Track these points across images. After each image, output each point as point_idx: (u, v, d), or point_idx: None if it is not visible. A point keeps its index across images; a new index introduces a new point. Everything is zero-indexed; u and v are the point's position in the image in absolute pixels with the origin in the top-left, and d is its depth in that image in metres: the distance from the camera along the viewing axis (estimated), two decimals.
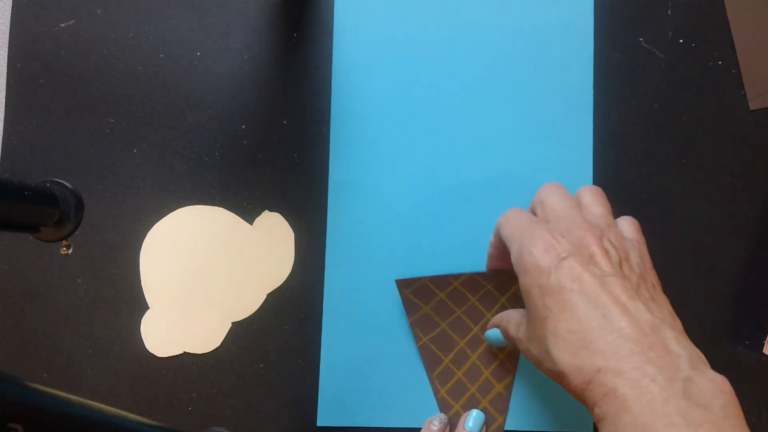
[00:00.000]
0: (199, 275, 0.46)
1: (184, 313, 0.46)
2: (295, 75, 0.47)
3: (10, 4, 0.48)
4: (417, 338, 0.45)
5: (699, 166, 0.46)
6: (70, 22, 0.48)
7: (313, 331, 0.45)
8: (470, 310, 0.44)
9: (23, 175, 0.47)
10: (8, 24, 0.48)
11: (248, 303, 0.46)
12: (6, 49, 0.47)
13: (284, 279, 0.46)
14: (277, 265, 0.46)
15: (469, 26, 0.47)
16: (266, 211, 0.46)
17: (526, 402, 0.45)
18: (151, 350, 0.45)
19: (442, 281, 0.44)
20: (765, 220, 0.46)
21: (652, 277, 0.35)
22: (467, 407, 0.44)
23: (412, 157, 0.47)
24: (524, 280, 0.34)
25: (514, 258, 0.35)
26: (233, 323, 0.46)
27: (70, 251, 0.37)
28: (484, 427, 0.43)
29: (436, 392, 0.45)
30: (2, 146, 0.47)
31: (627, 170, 0.46)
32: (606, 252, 0.34)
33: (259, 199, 0.46)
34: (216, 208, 0.47)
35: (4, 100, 0.47)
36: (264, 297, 0.46)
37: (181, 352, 0.45)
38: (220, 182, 0.47)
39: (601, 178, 0.46)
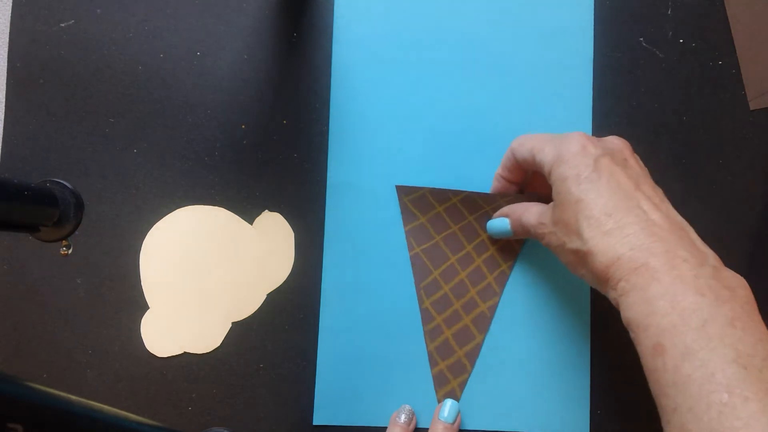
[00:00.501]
0: (199, 275, 0.46)
1: (184, 313, 0.46)
2: (295, 75, 0.47)
3: (10, 4, 0.48)
4: (410, 247, 0.45)
5: (699, 166, 0.46)
6: (70, 22, 0.48)
7: (312, 331, 0.45)
8: (466, 228, 0.45)
9: (23, 175, 0.47)
10: (8, 24, 0.48)
11: (248, 303, 0.46)
12: (6, 49, 0.47)
13: (284, 279, 0.46)
14: (277, 265, 0.46)
15: (468, 26, 0.47)
16: (266, 211, 0.47)
17: (522, 402, 0.45)
18: (151, 350, 0.45)
19: (441, 195, 0.45)
20: (765, 220, 0.46)
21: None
22: (449, 322, 0.45)
23: (411, 157, 0.47)
24: (560, 169, 0.36)
25: (548, 156, 0.37)
26: (233, 323, 0.46)
27: (70, 251, 0.37)
28: (459, 415, 0.44)
29: (420, 302, 0.45)
30: (2, 146, 0.47)
31: None
32: (637, 162, 0.37)
33: (259, 199, 0.46)
34: (216, 208, 0.47)
35: (4, 100, 0.47)
36: (264, 297, 0.46)
37: (181, 352, 0.46)
38: (220, 182, 0.47)
39: None
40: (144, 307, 0.46)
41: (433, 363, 0.45)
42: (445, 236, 0.45)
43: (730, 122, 0.46)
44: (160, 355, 0.45)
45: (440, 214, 0.45)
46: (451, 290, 0.45)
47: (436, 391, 0.45)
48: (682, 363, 0.29)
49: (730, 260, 0.45)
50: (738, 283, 0.32)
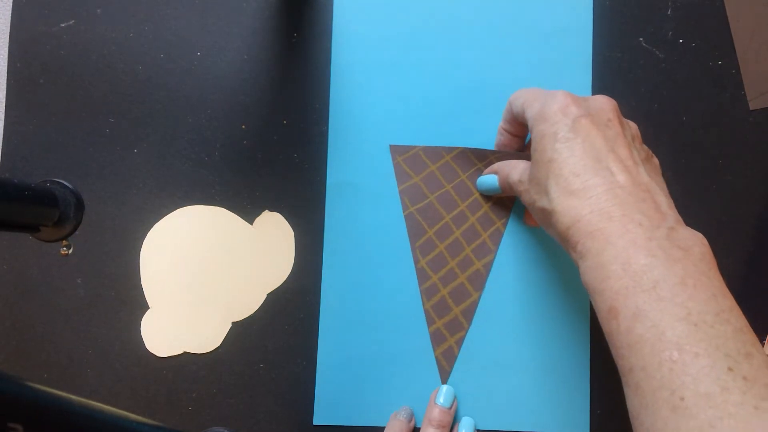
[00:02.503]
0: (199, 275, 0.46)
1: (184, 313, 0.46)
2: (295, 75, 0.47)
3: (10, 4, 0.48)
4: (404, 207, 0.46)
5: (699, 166, 0.46)
6: (70, 22, 0.48)
7: (312, 331, 0.45)
8: (459, 187, 0.46)
9: (23, 175, 0.47)
10: (8, 24, 0.48)
11: (248, 303, 0.46)
12: (6, 49, 0.47)
13: (284, 279, 0.46)
14: (277, 265, 0.46)
15: (467, 26, 0.47)
16: (266, 211, 0.47)
17: (522, 402, 0.45)
18: (151, 350, 0.45)
19: (434, 153, 0.46)
20: (765, 220, 0.46)
21: (657, 164, 0.38)
22: (445, 280, 0.45)
23: None
24: (540, 127, 0.36)
25: (533, 112, 0.37)
26: (233, 323, 0.46)
27: (70, 251, 0.37)
28: (455, 401, 0.44)
29: (416, 261, 0.46)
30: (2, 146, 0.47)
31: None
32: (621, 123, 0.36)
33: (259, 199, 0.46)
34: (216, 208, 0.47)
35: (4, 100, 0.47)
36: (264, 297, 0.46)
37: (181, 352, 0.46)
38: (220, 182, 0.47)
39: None
40: (144, 306, 0.46)
41: (429, 321, 0.45)
42: (438, 195, 0.46)
43: (730, 122, 0.46)
44: (160, 355, 0.45)
45: (434, 173, 0.46)
46: (446, 249, 0.46)
47: (434, 349, 0.45)
48: (634, 324, 0.30)
49: (730, 260, 0.46)
50: (695, 241, 0.32)
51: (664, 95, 0.47)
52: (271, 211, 0.46)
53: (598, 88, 0.47)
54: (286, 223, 0.46)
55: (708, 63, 0.47)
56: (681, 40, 0.47)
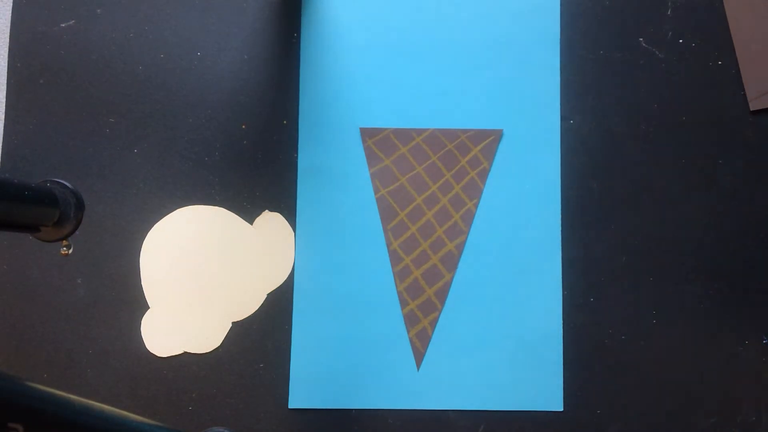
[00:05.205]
0: (199, 275, 0.46)
1: (184, 313, 0.46)
2: (295, 75, 0.47)
3: (10, 4, 0.48)
4: (375, 190, 0.46)
5: (699, 166, 0.46)
6: (70, 22, 0.48)
7: None
8: (430, 168, 0.46)
9: (23, 175, 0.47)
10: (8, 24, 0.48)
11: (248, 303, 0.46)
12: (6, 49, 0.47)
13: (284, 279, 0.46)
14: (277, 265, 0.46)
15: (439, 8, 0.48)
16: (266, 211, 0.47)
17: (497, 381, 0.45)
18: (151, 350, 0.45)
19: (405, 135, 0.46)
20: (765, 220, 0.46)
21: None
22: (418, 262, 0.46)
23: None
24: None
25: None
26: (233, 323, 0.46)
27: (70, 251, 0.37)
28: None
29: (388, 244, 0.46)
30: (2, 146, 0.47)
31: (627, 170, 0.46)
32: None
33: (259, 199, 0.47)
34: (216, 208, 0.47)
35: (4, 100, 0.47)
36: (264, 297, 0.46)
37: (181, 352, 0.45)
38: (220, 182, 0.47)
39: (601, 178, 0.46)
40: (144, 306, 0.46)
41: (403, 303, 0.45)
42: (410, 177, 0.46)
43: (730, 122, 0.46)
44: (160, 355, 0.45)
45: (404, 155, 0.46)
46: (418, 230, 0.46)
47: (408, 330, 0.45)
48: None
49: (729, 260, 0.46)
50: None
51: (664, 95, 0.47)
52: (271, 211, 0.46)
53: (598, 88, 0.47)
54: (286, 223, 0.46)
55: (708, 63, 0.47)
56: (681, 40, 0.47)
